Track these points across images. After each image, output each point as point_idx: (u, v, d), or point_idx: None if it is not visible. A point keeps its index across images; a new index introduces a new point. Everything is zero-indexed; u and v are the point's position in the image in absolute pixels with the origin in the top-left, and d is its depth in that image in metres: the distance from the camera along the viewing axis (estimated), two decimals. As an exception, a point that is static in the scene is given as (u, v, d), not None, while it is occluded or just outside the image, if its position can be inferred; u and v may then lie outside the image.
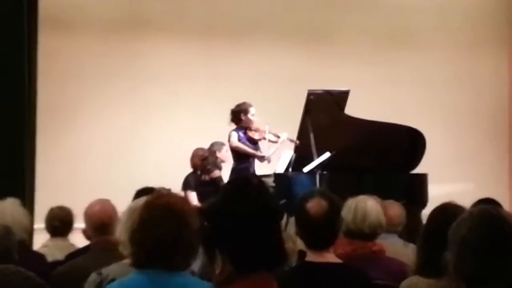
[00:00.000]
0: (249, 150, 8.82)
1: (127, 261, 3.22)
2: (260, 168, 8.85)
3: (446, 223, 2.29)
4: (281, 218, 2.33)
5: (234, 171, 8.77)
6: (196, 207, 4.84)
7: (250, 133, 8.88)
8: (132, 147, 9.92)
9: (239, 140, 8.82)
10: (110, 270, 3.29)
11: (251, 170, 8.75)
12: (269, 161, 8.85)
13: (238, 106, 8.85)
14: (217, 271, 2.18)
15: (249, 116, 8.81)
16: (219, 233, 2.20)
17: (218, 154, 9.00)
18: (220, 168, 8.98)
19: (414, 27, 10.71)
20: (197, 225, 2.83)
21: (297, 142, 8.56)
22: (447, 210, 3.19)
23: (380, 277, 3.89)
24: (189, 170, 9.23)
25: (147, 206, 2.86)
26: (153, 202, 2.87)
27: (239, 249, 2.16)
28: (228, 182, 2.44)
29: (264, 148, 8.90)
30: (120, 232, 3.33)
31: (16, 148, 7.89)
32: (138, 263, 2.83)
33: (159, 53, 10.10)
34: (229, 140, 8.84)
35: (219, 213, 2.25)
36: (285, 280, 2.53)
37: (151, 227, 2.78)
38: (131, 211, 3.35)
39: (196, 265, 3.98)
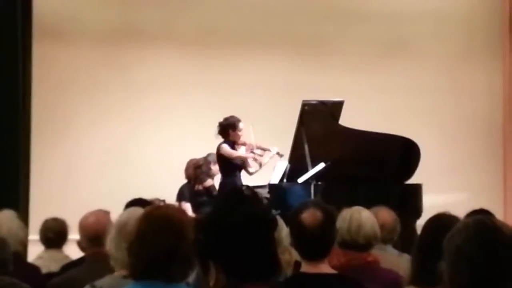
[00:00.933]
0: (246, 154, 8.79)
1: (120, 273, 3.21)
2: (254, 179, 8.85)
3: (441, 233, 2.29)
4: (274, 228, 2.31)
5: (221, 185, 8.74)
6: (192, 219, 4.84)
7: (237, 147, 8.87)
8: (127, 156, 9.92)
9: None
10: (104, 282, 3.26)
11: (238, 183, 8.67)
12: (261, 166, 8.86)
13: (226, 120, 8.82)
14: (211, 283, 2.18)
15: (237, 131, 8.79)
16: (212, 244, 2.20)
17: (212, 166, 8.99)
18: (212, 178, 8.98)
19: (409, 36, 10.74)
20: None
21: (282, 155, 8.59)
22: (442, 220, 3.19)
23: (375, 287, 3.89)
24: (182, 180, 9.22)
25: (145, 218, 2.85)
26: (152, 213, 2.87)
27: (232, 260, 2.16)
28: (221, 193, 2.46)
29: (252, 162, 8.92)
30: (110, 246, 3.31)
31: (11, 158, 7.89)
32: (136, 275, 2.82)
33: (153, 62, 10.11)
34: (221, 152, 8.76)
35: (211, 224, 2.25)
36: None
37: (150, 238, 2.78)
38: (121, 224, 3.33)
39: (191, 276, 3.98)
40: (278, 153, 8.81)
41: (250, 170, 8.94)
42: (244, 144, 8.87)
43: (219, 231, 2.20)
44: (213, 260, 2.19)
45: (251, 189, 2.40)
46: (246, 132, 8.85)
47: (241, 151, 8.86)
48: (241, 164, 8.84)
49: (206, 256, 2.22)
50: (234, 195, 2.30)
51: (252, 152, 8.87)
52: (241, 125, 8.80)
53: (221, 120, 8.84)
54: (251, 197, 2.26)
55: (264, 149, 8.90)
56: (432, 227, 3.21)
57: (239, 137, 8.82)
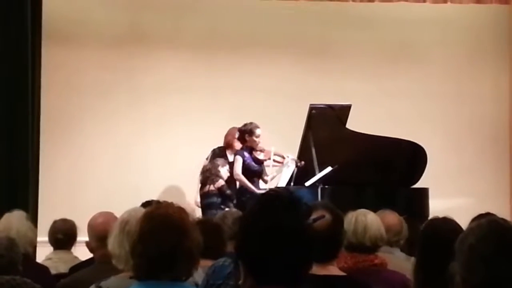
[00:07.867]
0: (249, 185, 8.83)
1: (126, 274, 3.19)
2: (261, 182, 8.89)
3: (442, 237, 2.27)
4: (305, 238, 2.25)
5: (240, 190, 8.91)
6: (195, 219, 4.85)
7: (256, 154, 8.93)
8: (134, 158, 9.94)
9: (244, 161, 8.85)
10: (110, 283, 3.23)
11: (257, 187, 8.86)
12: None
13: (245, 125, 8.91)
14: (240, 282, 2.19)
15: (254, 137, 8.84)
16: (240, 245, 2.20)
17: (220, 168, 9.01)
18: (222, 178, 8.99)
19: (415, 40, 10.73)
20: (197, 234, 2.84)
21: (302, 163, 8.57)
22: (439, 225, 3.18)
23: (383, 290, 3.90)
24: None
25: (146, 217, 2.87)
26: (153, 213, 2.89)
27: (256, 264, 2.15)
28: (260, 195, 2.39)
29: (269, 169, 8.95)
30: (113, 245, 3.29)
31: (20, 160, 7.94)
32: (141, 275, 2.83)
33: (160, 66, 10.14)
34: (233, 161, 8.90)
35: (241, 226, 2.25)
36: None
37: (152, 238, 2.80)
38: (123, 223, 3.33)
39: (199, 277, 4.00)
40: (294, 160, 8.75)
41: (266, 178, 9.02)
42: (262, 151, 8.94)
43: (248, 234, 2.19)
44: (242, 260, 2.18)
45: (290, 193, 2.34)
46: (266, 146, 8.89)
47: (259, 157, 8.94)
48: (258, 172, 8.94)
49: (237, 256, 2.22)
50: (269, 199, 2.26)
51: (270, 159, 8.92)
52: (258, 131, 8.84)
53: (240, 126, 8.91)
54: (288, 203, 2.22)
55: (281, 156, 8.97)
56: (431, 232, 3.19)
57: (256, 143, 8.88)
